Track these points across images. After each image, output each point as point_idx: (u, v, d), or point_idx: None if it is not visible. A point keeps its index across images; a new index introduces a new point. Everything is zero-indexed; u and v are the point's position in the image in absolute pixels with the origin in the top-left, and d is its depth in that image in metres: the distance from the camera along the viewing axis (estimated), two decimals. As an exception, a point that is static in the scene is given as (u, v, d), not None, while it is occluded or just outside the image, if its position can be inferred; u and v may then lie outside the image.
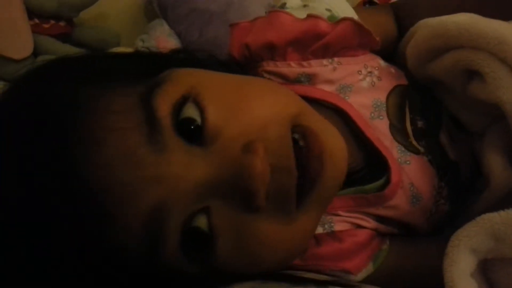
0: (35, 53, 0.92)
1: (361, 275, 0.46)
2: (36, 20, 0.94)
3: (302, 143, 0.37)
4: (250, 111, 0.36)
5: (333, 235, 0.46)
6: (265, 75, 0.50)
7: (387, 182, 0.46)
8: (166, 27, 0.97)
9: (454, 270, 0.37)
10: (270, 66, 0.49)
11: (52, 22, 0.95)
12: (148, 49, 0.94)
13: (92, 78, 0.37)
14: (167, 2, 0.99)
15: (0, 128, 0.36)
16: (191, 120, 0.35)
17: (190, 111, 0.35)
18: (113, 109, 0.34)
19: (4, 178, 0.34)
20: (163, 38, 0.96)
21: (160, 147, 0.33)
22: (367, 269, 0.46)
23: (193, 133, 0.35)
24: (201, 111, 0.35)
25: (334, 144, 0.37)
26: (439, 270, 0.38)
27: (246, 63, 0.51)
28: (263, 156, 0.33)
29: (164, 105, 0.34)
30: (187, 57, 0.50)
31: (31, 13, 0.93)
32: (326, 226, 0.46)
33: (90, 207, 0.33)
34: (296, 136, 0.37)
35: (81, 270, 0.34)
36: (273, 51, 0.49)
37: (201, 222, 0.34)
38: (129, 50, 0.96)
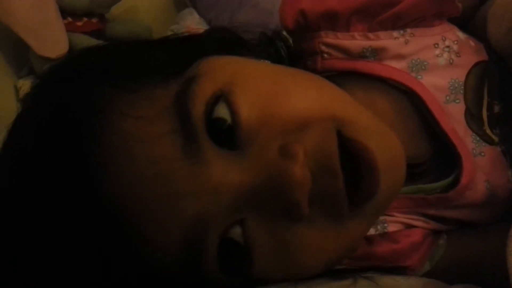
0: (70, 51, 0.93)
1: (417, 274, 0.43)
2: (69, 19, 0.96)
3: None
4: (288, 108, 0.32)
5: (386, 236, 0.43)
6: (323, 47, 0.43)
7: (456, 181, 0.41)
8: (196, 15, 0.97)
9: None
10: (329, 37, 0.43)
11: (85, 19, 0.97)
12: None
13: (116, 77, 0.33)
14: (195, -9, 0.99)
15: (22, 138, 0.34)
16: (222, 122, 0.31)
17: (221, 112, 0.31)
18: (140, 114, 0.31)
19: (23, 197, 0.32)
20: (194, 27, 0.96)
21: (196, 158, 0.30)
22: (424, 268, 0.43)
23: (225, 136, 0.31)
24: (233, 111, 0.31)
25: (388, 156, 0.32)
26: (501, 258, 0.35)
27: (300, 33, 0.45)
28: (302, 160, 0.30)
29: (198, 105, 0.31)
30: (223, 37, 0.44)
31: (64, 12, 0.94)
32: (378, 227, 0.43)
33: (119, 227, 0.30)
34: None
35: None
36: (334, 20, 0.42)
37: (236, 233, 0.32)
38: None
